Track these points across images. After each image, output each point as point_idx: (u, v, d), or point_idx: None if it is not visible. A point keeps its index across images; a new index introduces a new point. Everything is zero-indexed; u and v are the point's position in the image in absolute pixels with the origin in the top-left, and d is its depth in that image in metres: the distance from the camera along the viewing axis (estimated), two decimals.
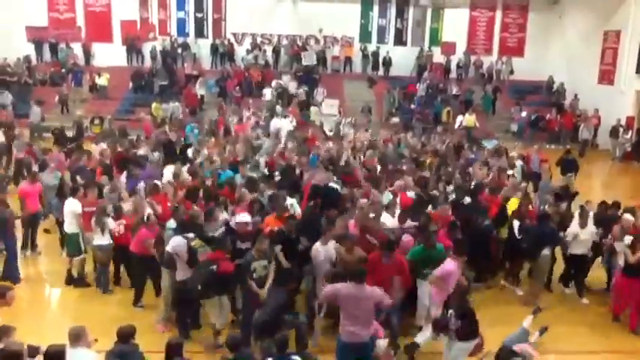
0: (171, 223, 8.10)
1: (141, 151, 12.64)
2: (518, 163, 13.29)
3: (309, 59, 25.30)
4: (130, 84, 24.20)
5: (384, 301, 6.16)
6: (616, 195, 12.78)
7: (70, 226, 9.06)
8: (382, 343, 6.63)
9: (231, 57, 26.07)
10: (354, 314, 5.94)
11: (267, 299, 6.96)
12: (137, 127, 17.36)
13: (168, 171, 10.91)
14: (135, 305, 8.35)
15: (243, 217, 7.90)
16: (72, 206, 9.08)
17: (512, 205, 9.69)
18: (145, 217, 8.35)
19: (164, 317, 7.75)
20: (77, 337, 5.39)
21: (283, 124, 17.84)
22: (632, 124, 21.59)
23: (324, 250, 7.42)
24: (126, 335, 5.76)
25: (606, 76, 23.31)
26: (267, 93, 22.55)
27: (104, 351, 5.74)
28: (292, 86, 23.53)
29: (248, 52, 25.76)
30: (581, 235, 8.98)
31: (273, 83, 23.31)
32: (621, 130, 21.38)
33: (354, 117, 20.30)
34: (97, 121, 18.55)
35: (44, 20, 25.46)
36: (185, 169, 11.01)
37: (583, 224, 9.00)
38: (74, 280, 9.10)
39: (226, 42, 26.17)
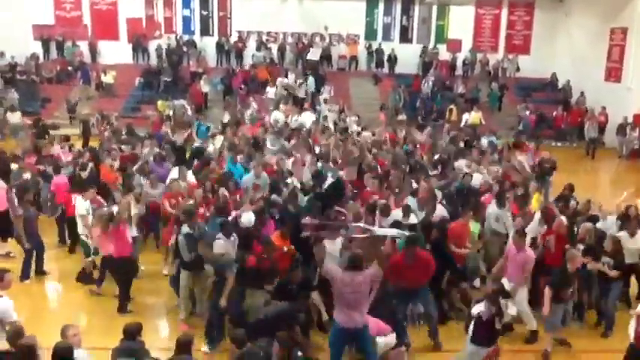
0: (185, 228, 7.66)
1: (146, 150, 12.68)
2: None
3: (312, 55, 25.31)
4: (140, 80, 24.22)
5: (377, 276, 6.15)
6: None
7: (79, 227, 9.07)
8: (383, 340, 6.63)
9: (240, 55, 26.08)
10: (348, 300, 5.96)
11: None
12: (144, 125, 17.41)
13: (174, 173, 10.86)
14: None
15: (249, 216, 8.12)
16: (78, 206, 9.04)
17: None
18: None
19: (185, 317, 7.79)
20: (61, 334, 5.45)
21: (306, 120, 18.01)
22: (639, 122, 21.48)
23: (330, 246, 7.53)
24: (132, 332, 5.78)
25: (613, 73, 23.19)
26: (271, 92, 22.53)
27: (111, 348, 5.79)
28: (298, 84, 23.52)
29: (258, 49, 25.77)
30: (629, 243, 8.37)
31: (277, 81, 23.29)
32: (629, 127, 21.27)
33: (356, 114, 20.21)
34: (100, 118, 18.52)
35: (51, 18, 25.56)
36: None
37: (633, 232, 8.48)
38: (81, 277, 9.10)
39: (237, 40, 26.24)
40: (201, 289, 7.88)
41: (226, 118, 18.25)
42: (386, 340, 6.65)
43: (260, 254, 7.30)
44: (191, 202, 9.11)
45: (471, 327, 6.45)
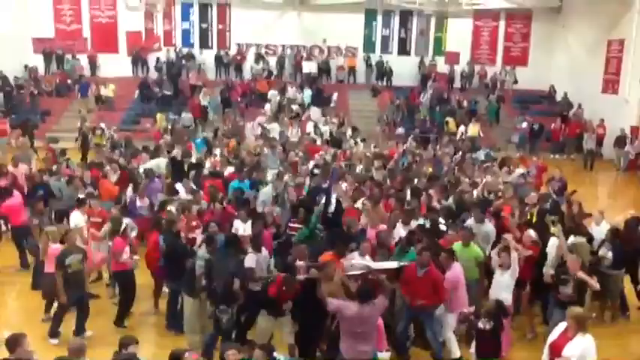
0: (203, 252, 7.55)
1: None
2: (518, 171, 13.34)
3: (309, 67, 25.45)
4: (137, 92, 24.29)
5: (385, 306, 6.21)
6: (621, 205, 12.82)
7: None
8: (385, 356, 6.61)
9: (239, 67, 26.21)
10: (357, 332, 5.93)
11: None
12: (142, 137, 17.46)
13: (181, 187, 10.85)
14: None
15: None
16: (75, 219, 9.06)
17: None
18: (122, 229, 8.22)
19: (194, 346, 7.39)
20: (77, 351, 5.49)
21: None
22: (636, 134, 21.51)
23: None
24: (125, 345, 5.83)
25: (610, 85, 23.28)
26: (267, 109, 22.62)
27: None
28: (297, 97, 23.66)
29: (257, 62, 25.91)
30: None
31: (271, 94, 23.39)
32: (628, 140, 21.27)
33: (353, 126, 20.32)
34: (98, 132, 18.54)
35: (51, 32, 25.67)
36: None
37: None
38: None
39: (236, 52, 26.40)
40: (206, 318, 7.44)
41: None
42: (382, 356, 6.62)
43: (281, 286, 6.94)
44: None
45: (474, 342, 6.43)
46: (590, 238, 8.92)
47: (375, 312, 6.01)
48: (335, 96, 24.25)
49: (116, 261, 8.10)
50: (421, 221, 8.97)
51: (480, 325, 6.27)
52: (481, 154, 15.48)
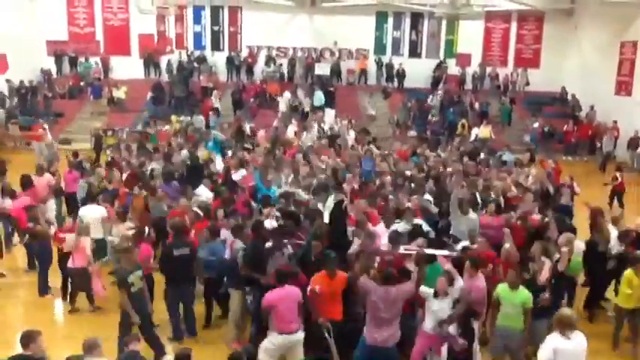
0: (240, 244, 7.66)
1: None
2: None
3: (322, 69, 25.52)
4: (149, 94, 24.38)
5: (412, 293, 6.22)
6: (637, 207, 12.70)
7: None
8: None
9: (250, 70, 26.33)
10: (382, 317, 6.00)
11: None
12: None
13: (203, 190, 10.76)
14: None
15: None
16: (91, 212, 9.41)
17: None
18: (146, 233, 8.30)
19: (235, 337, 7.57)
20: (91, 348, 5.55)
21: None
22: None
23: None
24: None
25: (623, 87, 23.09)
26: (282, 104, 22.69)
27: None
28: (306, 100, 23.67)
29: (267, 64, 26.04)
30: None
31: (287, 94, 23.45)
32: None
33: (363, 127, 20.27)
34: (110, 133, 18.64)
35: (64, 34, 25.96)
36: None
37: None
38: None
39: (247, 55, 26.55)
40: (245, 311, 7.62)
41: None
42: None
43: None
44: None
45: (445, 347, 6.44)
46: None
47: (400, 296, 6.06)
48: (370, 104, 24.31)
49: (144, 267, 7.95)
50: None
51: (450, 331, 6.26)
52: (510, 156, 15.33)
